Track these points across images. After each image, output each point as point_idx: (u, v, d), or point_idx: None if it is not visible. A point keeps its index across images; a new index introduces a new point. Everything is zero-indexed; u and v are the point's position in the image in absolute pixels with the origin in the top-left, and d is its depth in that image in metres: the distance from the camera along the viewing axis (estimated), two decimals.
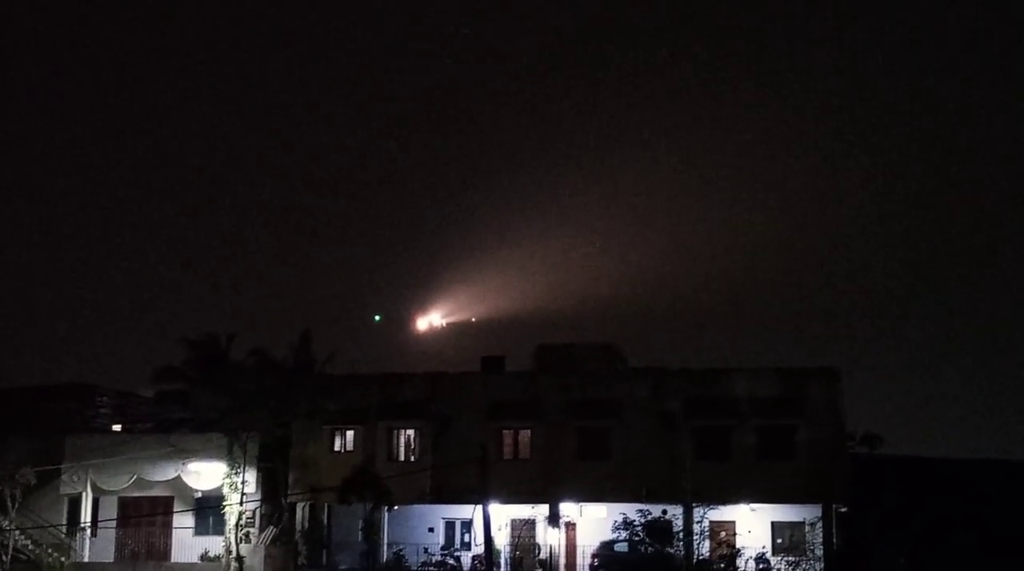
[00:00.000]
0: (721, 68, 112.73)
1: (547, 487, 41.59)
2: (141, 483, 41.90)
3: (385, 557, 42.33)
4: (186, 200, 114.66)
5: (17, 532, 40.09)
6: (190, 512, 41.88)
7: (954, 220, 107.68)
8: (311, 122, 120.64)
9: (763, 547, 40.80)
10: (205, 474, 41.27)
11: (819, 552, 39.71)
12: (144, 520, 42.60)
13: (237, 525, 40.17)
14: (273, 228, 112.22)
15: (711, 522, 40.66)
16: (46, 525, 40.21)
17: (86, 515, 41.91)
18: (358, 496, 40.03)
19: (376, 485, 39.74)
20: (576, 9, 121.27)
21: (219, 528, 40.95)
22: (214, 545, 41.11)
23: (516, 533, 42.97)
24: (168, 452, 41.44)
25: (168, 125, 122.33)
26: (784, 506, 41.08)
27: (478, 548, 40.80)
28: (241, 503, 40.26)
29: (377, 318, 73.85)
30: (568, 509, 42.15)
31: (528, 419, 42.15)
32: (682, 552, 39.87)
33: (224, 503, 40.21)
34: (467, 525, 42.93)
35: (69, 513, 42.18)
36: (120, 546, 42.43)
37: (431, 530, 44.04)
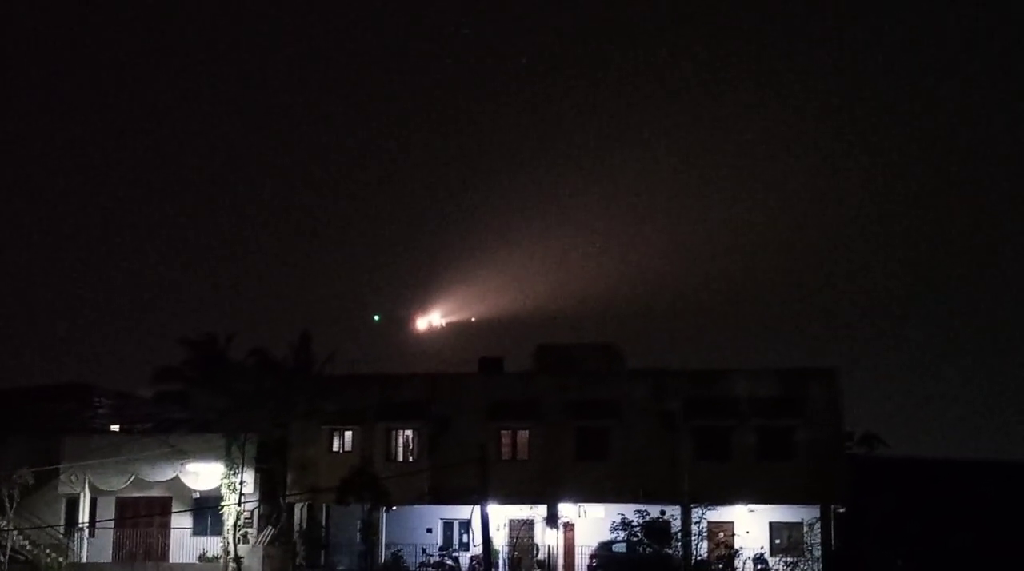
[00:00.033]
0: (721, 68, 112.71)
1: (546, 487, 41.60)
2: (139, 483, 41.87)
3: (383, 557, 42.33)
4: (186, 200, 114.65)
5: (15, 532, 40.05)
6: (188, 512, 41.86)
7: (954, 220, 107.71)
8: (311, 122, 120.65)
9: (761, 548, 40.81)
10: (203, 475, 41.24)
11: (817, 553, 39.74)
12: (142, 520, 42.55)
13: (235, 526, 40.15)
14: (273, 228, 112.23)
15: (709, 523, 40.70)
16: (44, 525, 40.20)
17: (84, 515, 41.88)
18: (356, 497, 40.01)
19: (374, 486, 39.73)
20: (576, 9, 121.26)
21: (217, 529, 40.91)
22: (212, 546, 41.08)
23: (514, 533, 42.98)
24: (166, 453, 41.42)
25: (168, 125, 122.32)
26: (782, 507, 41.10)
27: (476, 549, 40.79)
28: (239, 503, 40.24)
29: (377, 318, 73.85)
30: (567, 509, 42.16)
31: (527, 419, 42.16)
32: (680, 553, 39.89)
33: (222, 503, 40.18)
34: (465, 525, 42.94)
35: (67, 513, 42.13)
36: (118, 546, 42.39)
37: (429, 531, 44.05)
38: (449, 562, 41.92)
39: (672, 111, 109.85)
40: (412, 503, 42.37)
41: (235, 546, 39.88)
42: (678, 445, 40.96)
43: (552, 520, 41.71)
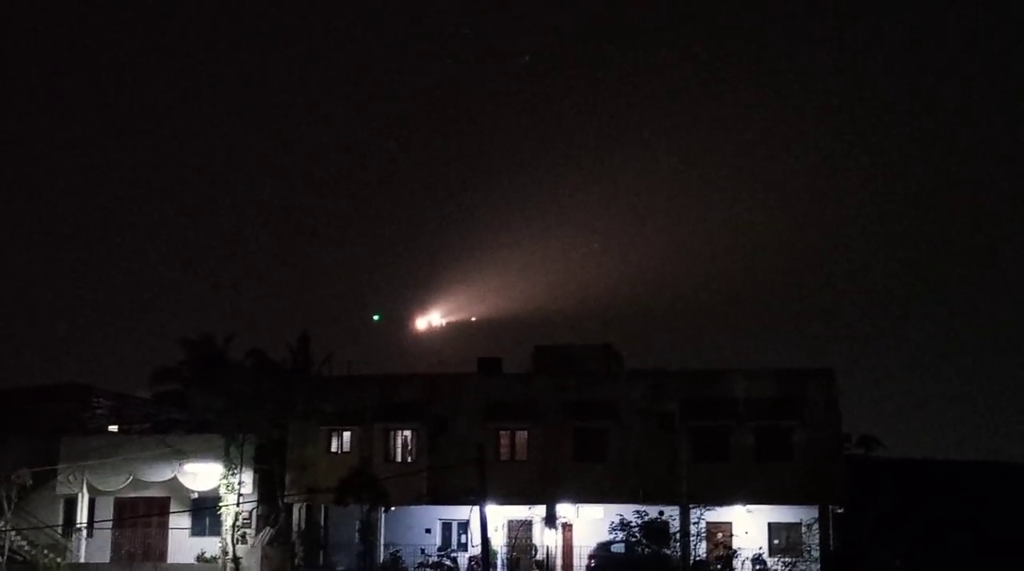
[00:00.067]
0: (721, 68, 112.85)
1: (544, 488, 41.58)
2: (137, 484, 41.87)
3: (382, 558, 42.31)
4: (186, 200, 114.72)
5: (13, 533, 40.04)
6: (186, 513, 41.85)
7: (954, 220, 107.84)
8: (311, 122, 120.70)
9: (760, 548, 40.78)
10: (202, 475, 41.24)
11: (815, 553, 39.72)
12: (140, 521, 42.57)
13: (233, 526, 40.15)
14: (273, 228, 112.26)
15: (708, 523, 40.69)
16: (42, 526, 40.17)
17: (82, 516, 41.87)
18: (355, 497, 39.99)
19: (373, 486, 39.72)
20: (576, 9, 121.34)
21: (215, 529, 40.91)
22: (210, 546, 41.07)
23: (513, 534, 42.97)
24: (165, 453, 41.43)
25: (168, 125, 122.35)
26: (781, 507, 41.08)
27: (475, 549, 40.78)
28: (238, 504, 40.24)
29: (376, 318, 73.82)
30: (565, 510, 42.14)
31: (525, 420, 42.14)
32: (679, 553, 39.88)
33: (220, 504, 40.18)
34: (464, 526, 42.90)
35: (65, 514, 42.15)
36: (116, 547, 42.39)
37: (428, 531, 44.00)
38: (448, 562, 41.88)
39: (672, 111, 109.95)
40: (410, 503, 42.34)
41: (233, 546, 39.88)
42: (676, 446, 40.95)
43: (550, 520, 41.69)
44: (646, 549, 39.42)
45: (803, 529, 40.61)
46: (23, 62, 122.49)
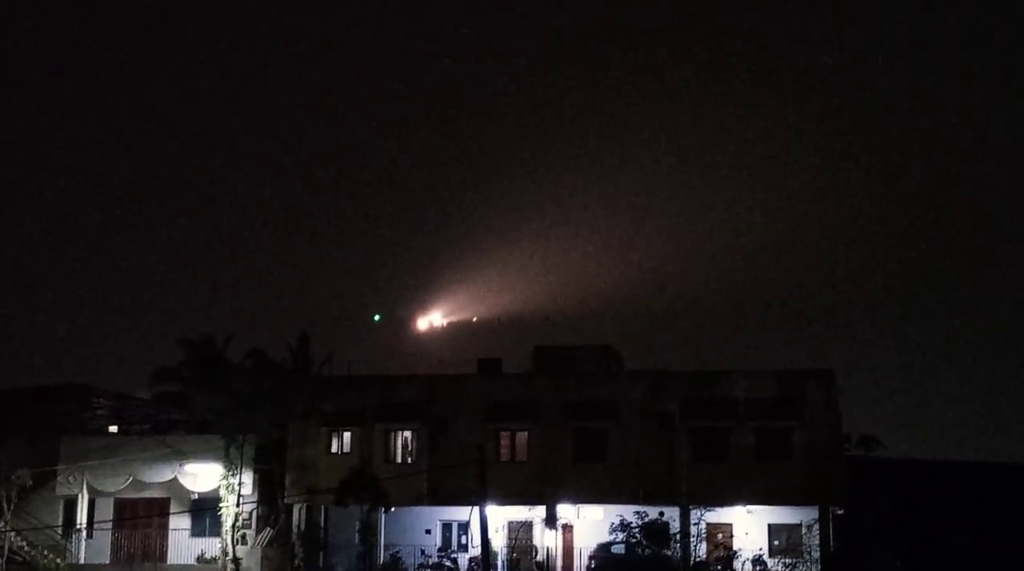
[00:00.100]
0: (721, 68, 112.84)
1: (544, 489, 41.57)
2: (137, 484, 41.84)
3: (382, 559, 42.29)
4: (186, 200, 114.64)
5: (13, 534, 39.99)
6: (186, 514, 41.81)
7: (954, 220, 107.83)
8: (311, 122, 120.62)
9: (760, 549, 40.78)
10: (202, 476, 41.21)
11: (816, 554, 39.71)
12: (140, 522, 42.52)
13: (233, 527, 40.11)
14: (273, 228, 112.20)
15: (708, 524, 40.69)
16: (42, 526, 40.14)
17: (82, 516, 41.83)
18: (355, 498, 39.95)
19: (373, 487, 39.69)
20: (576, 9, 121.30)
21: (215, 530, 40.88)
22: (210, 547, 41.04)
23: (513, 535, 42.95)
24: (165, 453, 41.40)
25: (168, 125, 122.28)
26: (781, 508, 41.07)
27: (475, 550, 40.77)
28: (238, 505, 40.21)
29: (377, 318, 73.90)
30: (565, 511, 42.13)
31: (525, 421, 42.13)
32: (679, 554, 39.87)
33: (221, 505, 40.15)
34: (464, 527, 42.89)
35: (65, 514, 42.10)
36: (116, 548, 42.34)
37: (428, 532, 43.99)
38: (448, 563, 41.87)
39: (672, 111, 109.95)
40: (411, 504, 42.32)
41: (233, 547, 39.84)
42: (676, 446, 40.94)
43: (551, 521, 41.68)
44: (646, 550, 39.40)
45: (803, 530, 40.60)
46: (23, 62, 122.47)
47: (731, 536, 41.03)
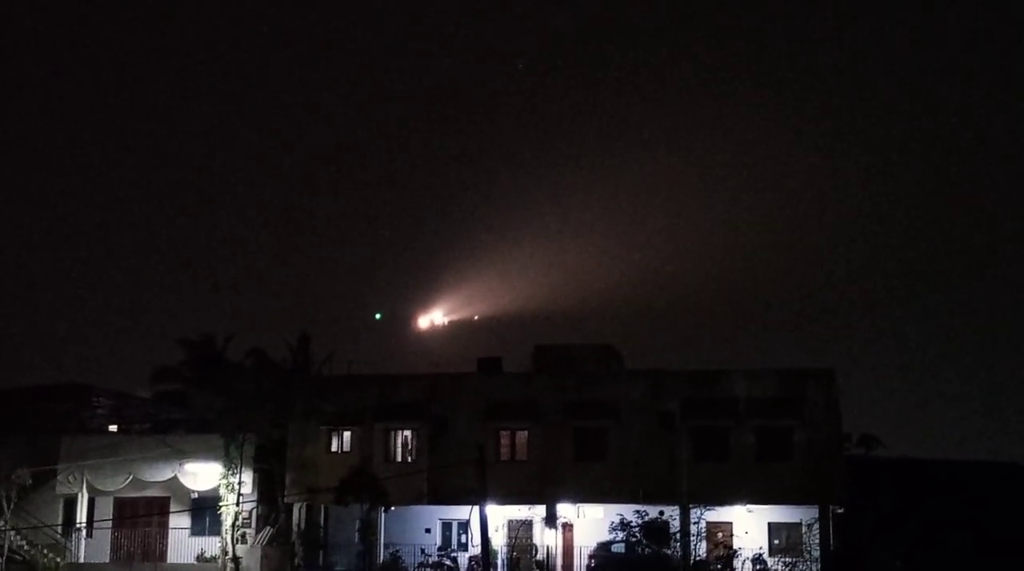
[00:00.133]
0: (721, 68, 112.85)
1: (544, 488, 41.57)
2: (137, 484, 41.84)
3: (382, 558, 42.28)
4: (186, 200, 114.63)
5: (12, 533, 39.99)
6: (186, 513, 41.82)
7: (954, 220, 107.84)
8: (311, 122, 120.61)
9: (760, 548, 40.77)
10: (201, 475, 41.21)
11: (816, 553, 39.71)
12: (140, 521, 42.53)
13: (233, 526, 40.11)
14: (273, 228, 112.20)
15: (708, 523, 40.68)
16: (41, 525, 40.12)
17: (82, 515, 41.83)
18: (355, 497, 39.97)
19: (373, 486, 39.69)
20: (576, 9, 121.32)
21: (215, 529, 40.88)
22: (210, 546, 41.04)
23: (513, 534, 42.95)
24: (164, 453, 41.41)
25: (168, 125, 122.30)
26: (781, 507, 41.07)
27: (475, 549, 40.76)
28: (238, 504, 40.19)
29: (378, 316, 73.99)
30: (565, 510, 42.13)
31: (525, 420, 42.13)
32: (679, 553, 39.86)
33: (220, 504, 40.14)
34: (464, 526, 42.87)
35: (65, 513, 42.11)
36: (116, 547, 42.36)
37: (428, 531, 44.00)
38: (448, 562, 41.87)
39: (672, 111, 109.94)
40: (411, 503, 42.32)
41: (233, 546, 39.83)
42: (677, 445, 40.93)
43: (551, 520, 41.68)
44: (646, 549, 39.39)
45: (803, 529, 40.60)
46: (23, 62, 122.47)
47: (731, 535, 41.01)
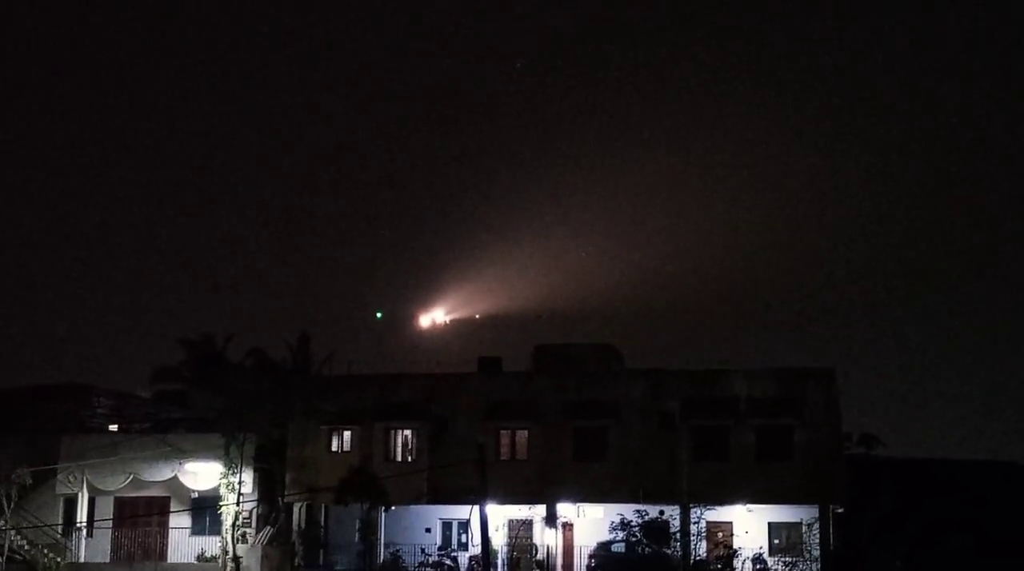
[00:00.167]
0: (721, 68, 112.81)
1: (544, 488, 41.58)
2: (137, 483, 41.83)
3: (382, 557, 42.30)
4: (186, 200, 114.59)
5: (13, 532, 39.98)
6: (187, 512, 41.81)
7: (954, 220, 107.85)
8: (311, 122, 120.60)
9: (760, 548, 40.79)
10: (202, 474, 41.20)
11: (816, 553, 39.73)
12: (140, 520, 42.51)
13: (234, 525, 40.09)
14: (273, 228, 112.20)
15: (708, 523, 40.69)
16: (42, 525, 40.12)
17: (82, 515, 41.81)
18: (355, 496, 39.99)
19: (373, 485, 39.72)
20: (576, 9, 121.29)
21: (215, 528, 40.87)
22: (211, 545, 41.03)
23: (513, 534, 42.96)
24: (165, 452, 41.38)
25: (168, 125, 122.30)
26: (781, 507, 41.08)
27: (475, 548, 40.78)
28: (238, 503, 40.18)
29: (379, 315, 74.07)
30: (566, 509, 42.15)
31: (525, 420, 42.15)
32: (679, 553, 39.88)
33: (221, 503, 40.12)
34: (464, 525, 42.90)
35: (65, 513, 42.08)
36: (116, 546, 42.33)
37: (428, 530, 44.02)
38: (448, 562, 41.89)
39: (672, 111, 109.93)
40: (411, 503, 42.34)
41: (233, 546, 39.82)
42: (677, 445, 40.95)
43: (551, 520, 41.69)
44: (646, 548, 39.40)
45: (803, 529, 40.63)
46: (23, 62, 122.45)
47: (731, 535, 41.02)
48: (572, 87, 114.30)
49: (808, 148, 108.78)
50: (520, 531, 43.04)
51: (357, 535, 42.77)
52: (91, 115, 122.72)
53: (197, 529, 41.90)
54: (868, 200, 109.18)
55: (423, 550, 42.23)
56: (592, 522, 42.13)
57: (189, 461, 41.15)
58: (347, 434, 43.44)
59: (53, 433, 42.72)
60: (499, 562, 41.69)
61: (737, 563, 39.62)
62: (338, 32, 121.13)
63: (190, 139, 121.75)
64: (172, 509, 41.90)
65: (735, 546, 40.04)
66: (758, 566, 40.12)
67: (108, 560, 41.73)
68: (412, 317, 64.60)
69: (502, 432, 42.37)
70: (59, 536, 41.12)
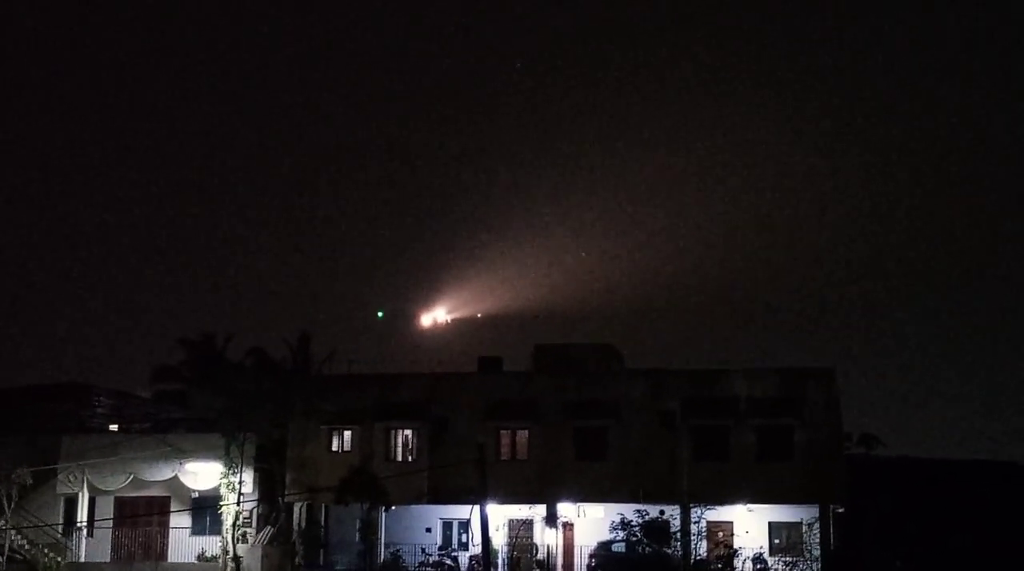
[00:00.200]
0: (721, 68, 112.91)
1: (545, 487, 41.58)
2: (138, 483, 41.82)
3: (382, 557, 42.30)
4: (186, 200, 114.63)
5: (13, 532, 39.98)
6: (187, 512, 41.81)
7: (954, 220, 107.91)
8: (311, 122, 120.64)
9: (760, 547, 40.80)
10: (202, 474, 41.20)
11: (816, 553, 39.72)
12: (141, 520, 42.51)
13: (234, 525, 40.10)
14: (273, 228, 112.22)
15: (708, 522, 40.69)
16: (42, 525, 40.12)
17: (82, 515, 41.81)
18: (355, 496, 39.99)
19: (373, 485, 39.72)
20: (576, 9, 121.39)
21: (216, 528, 40.87)
22: (211, 545, 41.03)
23: (514, 533, 42.95)
24: (165, 452, 41.37)
25: (168, 125, 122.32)
26: (781, 507, 41.09)
27: (475, 548, 40.79)
28: (238, 503, 40.18)
29: (380, 314, 74.10)
30: (566, 509, 42.14)
31: (526, 419, 42.15)
32: (680, 552, 39.88)
33: (221, 503, 40.12)
34: (464, 525, 42.92)
35: (65, 513, 42.07)
36: (116, 546, 42.33)
37: (428, 530, 44.02)
38: (448, 562, 41.89)
39: (672, 111, 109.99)
40: (411, 503, 42.34)
41: (234, 546, 39.83)
42: (677, 445, 40.95)
43: (551, 520, 41.69)
44: (647, 548, 39.41)
45: (804, 528, 40.62)
46: (23, 62, 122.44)
47: (732, 534, 41.03)
48: (572, 87, 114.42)
49: (808, 148, 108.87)
50: (520, 531, 43.03)
51: (357, 535, 42.77)
52: (91, 115, 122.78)
53: (197, 529, 41.90)
54: (868, 200, 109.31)
55: (423, 550, 42.23)
56: (592, 522, 42.13)
57: (189, 461, 41.14)
58: (347, 434, 43.44)
59: (53, 433, 42.71)
60: (499, 562, 41.68)
61: (737, 563, 39.63)
62: (338, 32, 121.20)
63: (190, 139, 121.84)
64: (172, 509, 41.89)
65: (735, 546, 40.05)
66: (758, 566, 40.12)
67: (108, 560, 41.72)
68: (414, 316, 64.66)
69: (502, 432, 42.36)
70: (59, 536, 41.12)
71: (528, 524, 43.09)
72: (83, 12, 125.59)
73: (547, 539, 42.04)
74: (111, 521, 42.34)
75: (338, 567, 43.17)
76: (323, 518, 44.28)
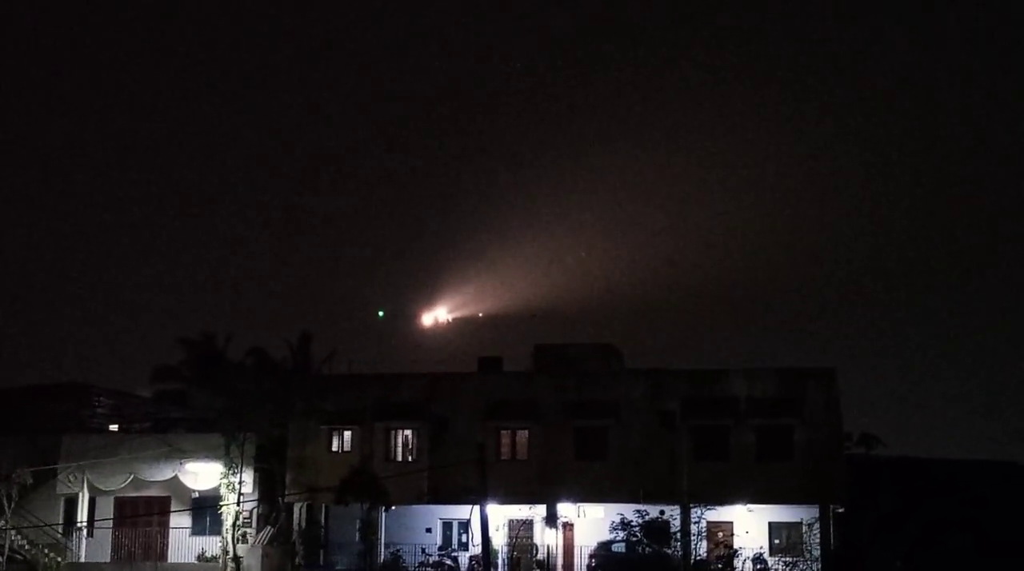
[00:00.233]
0: (721, 68, 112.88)
1: (545, 487, 41.58)
2: (138, 483, 41.84)
3: (382, 557, 42.30)
4: (186, 200, 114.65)
5: (13, 532, 39.99)
6: (187, 512, 41.82)
7: (954, 220, 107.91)
8: (311, 122, 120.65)
9: (760, 547, 40.80)
10: (202, 474, 41.21)
11: (816, 553, 39.74)
12: (141, 520, 42.54)
13: (234, 525, 40.12)
14: (273, 228, 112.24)
15: (708, 522, 40.70)
16: (42, 525, 40.13)
17: (82, 515, 41.83)
18: (355, 496, 40.00)
19: (373, 485, 39.73)
20: (576, 9, 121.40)
21: (216, 528, 40.89)
22: (211, 545, 41.05)
23: (514, 533, 42.96)
24: (165, 452, 41.39)
25: (168, 125, 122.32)
26: (781, 507, 41.09)
27: (475, 548, 40.79)
28: (238, 503, 40.20)
29: (381, 314, 74.13)
30: (566, 509, 42.14)
31: (526, 419, 42.15)
32: (680, 552, 39.88)
33: (221, 503, 40.14)
34: (464, 525, 42.93)
35: (65, 513, 42.09)
36: (116, 546, 42.36)
37: (428, 530, 44.02)
38: (448, 562, 41.90)
39: (672, 111, 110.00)
40: (411, 503, 42.35)
41: (234, 546, 39.84)
42: (677, 445, 40.95)
43: (551, 520, 41.69)
44: (647, 548, 39.42)
45: (804, 529, 40.63)
46: (23, 62, 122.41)
47: (732, 535, 41.03)
48: (572, 87, 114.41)
49: (808, 148, 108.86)
50: (520, 531, 43.03)
51: (357, 535, 42.77)
52: (91, 115, 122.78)
53: (197, 529, 41.92)
54: (868, 200, 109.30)
55: (423, 550, 42.24)
56: (592, 522, 42.13)
57: (189, 461, 41.16)
58: (347, 434, 43.44)
59: (53, 433, 42.72)
60: (499, 562, 41.68)
61: (737, 563, 39.64)
62: (338, 32, 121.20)
63: (190, 139, 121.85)
64: (172, 509, 41.91)
65: (735, 546, 40.06)
66: (758, 566, 40.13)
67: (108, 560, 41.74)
68: (414, 316, 64.71)
69: (502, 432, 42.37)
70: (59, 536, 41.13)
71: (528, 524, 43.10)
72: (83, 12, 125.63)
73: (547, 539, 42.04)
74: (111, 521, 42.37)
75: (338, 567, 43.17)
76: (323, 518, 44.29)
